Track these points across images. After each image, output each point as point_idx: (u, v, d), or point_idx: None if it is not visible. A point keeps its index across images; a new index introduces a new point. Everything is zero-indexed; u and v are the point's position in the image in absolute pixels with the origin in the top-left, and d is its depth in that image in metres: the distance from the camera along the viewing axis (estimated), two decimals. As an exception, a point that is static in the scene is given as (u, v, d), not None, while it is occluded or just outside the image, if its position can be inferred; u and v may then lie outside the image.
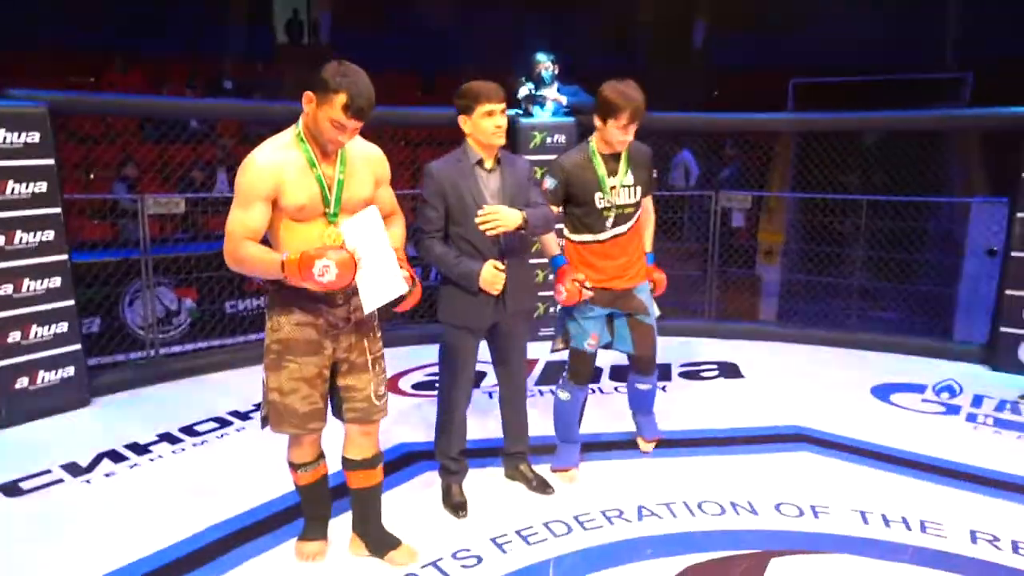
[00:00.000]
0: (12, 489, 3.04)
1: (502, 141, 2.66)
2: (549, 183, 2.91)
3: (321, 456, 2.49)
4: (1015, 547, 2.66)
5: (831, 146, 6.20)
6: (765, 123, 5.92)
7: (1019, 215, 4.46)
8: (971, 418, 3.88)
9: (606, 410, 3.80)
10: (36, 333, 3.70)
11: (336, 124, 2.07)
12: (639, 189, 2.98)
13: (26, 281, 3.64)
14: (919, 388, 4.30)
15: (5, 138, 3.50)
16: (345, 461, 2.47)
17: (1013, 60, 7.92)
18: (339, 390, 2.37)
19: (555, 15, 10.79)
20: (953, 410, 3.98)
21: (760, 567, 2.52)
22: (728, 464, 3.31)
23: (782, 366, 4.69)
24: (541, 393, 4.10)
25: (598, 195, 2.90)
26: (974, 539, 2.71)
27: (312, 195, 2.16)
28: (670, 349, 4.90)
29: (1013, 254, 4.52)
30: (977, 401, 4.10)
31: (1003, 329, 4.58)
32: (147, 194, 4.78)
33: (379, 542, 2.56)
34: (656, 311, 3.19)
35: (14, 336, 3.63)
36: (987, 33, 9.19)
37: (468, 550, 2.62)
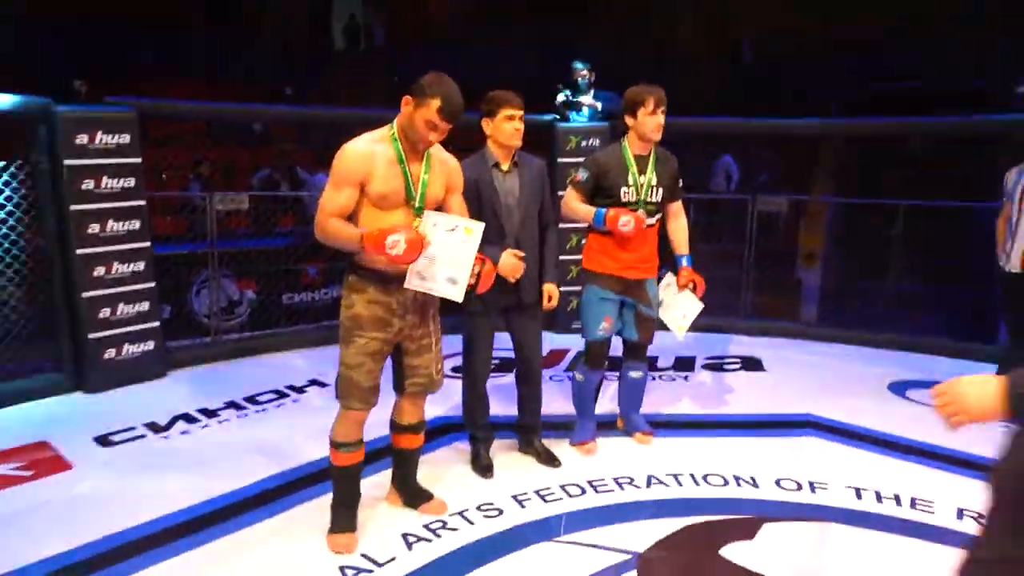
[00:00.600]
0: (105, 441, 3.53)
1: (519, 143, 3.01)
2: (582, 175, 3.24)
3: (361, 441, 2.71)
4: (998, 524, 2.84)
5: (876, 153, 6.24)
6: (806, 127, 6.03)
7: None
8: (983, 413, 4.01)
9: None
10: (123, 311, 4.20)
11: (430, 125, 2.41)
12: (661, 191, 3.27)
13: (115, 264, 4.14)
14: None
15: (102, 139, 4.01)
16: (395, 425, 2.83)
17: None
18: (404, 368, 2.70)
19: (595, 29, 11.12)
20: (967, 406, 4.12)
21: (753, 530, 2.79)
22: (736, 445, 3.56)
23: (804, 362, 4.88)
24: (570, 378, 4.40)
25: (624, 189, 3.19)
26: (960, 516, 2.92)
27: (395, 187, 2.46)
28: (697, 344, 5.15)
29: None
30: (993, 398, 4.22)
31: None
32: (215, 192, 5.27)
33: (415, 495, 2.93)
34: (700, 305, 3.42)
35: (104, 312, 4.13)
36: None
37: (492, 504, 2.97)
